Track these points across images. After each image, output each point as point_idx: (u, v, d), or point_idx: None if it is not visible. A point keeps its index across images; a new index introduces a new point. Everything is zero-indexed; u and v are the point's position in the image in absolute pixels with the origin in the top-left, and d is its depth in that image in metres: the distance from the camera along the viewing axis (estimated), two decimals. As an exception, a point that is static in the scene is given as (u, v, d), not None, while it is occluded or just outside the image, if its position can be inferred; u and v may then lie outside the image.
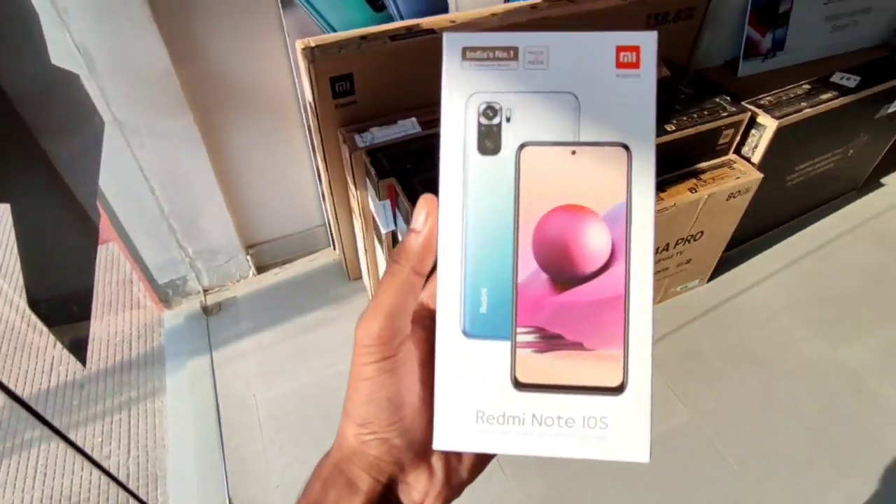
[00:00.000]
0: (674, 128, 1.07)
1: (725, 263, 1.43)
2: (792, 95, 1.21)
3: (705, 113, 1.11)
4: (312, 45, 1.00)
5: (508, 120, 0.21)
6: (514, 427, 0.21)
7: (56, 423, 1.17)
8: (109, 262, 1.55)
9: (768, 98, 1.19)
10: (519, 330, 0.21)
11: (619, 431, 0.21)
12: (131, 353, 1.32)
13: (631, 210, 0.21)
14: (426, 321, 0.24)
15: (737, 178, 1.14)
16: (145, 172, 1.12)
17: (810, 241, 1.53)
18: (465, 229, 0.22)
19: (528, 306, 0.21)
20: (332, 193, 1.21)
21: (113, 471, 1.11)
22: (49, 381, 1.26)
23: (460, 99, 0.21)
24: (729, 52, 1.44)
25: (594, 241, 0.21)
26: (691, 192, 1.10)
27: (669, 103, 1.14)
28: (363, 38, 1.03)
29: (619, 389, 0.21)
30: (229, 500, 1.05)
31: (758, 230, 1.49)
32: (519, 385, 0.21)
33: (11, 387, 1.21)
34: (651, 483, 1.07)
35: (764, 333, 1.32)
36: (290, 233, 1.44)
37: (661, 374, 1.24)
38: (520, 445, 0.21)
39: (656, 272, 1.27)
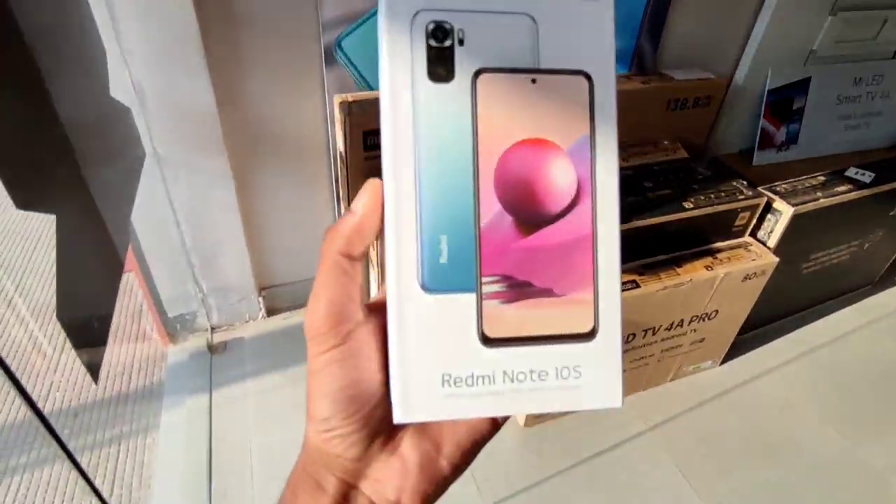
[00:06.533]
0: (692, 205, 1.10)
1: (739, 347, 1.40)
2: (807, 185, 1.24)
3: (722, 194, 1.14)
4: (350, 100, 1.06)
5: (461, 43, 0.19)
6: (484, 387, 0.19)
7: (44, 451, 1.13)
8: (121, 292, 1.56)
9: (784, 185, 1.22)
10: (484, 280, 0.19)
11: (593, 379, 0.20)
12: (129, 386, 1.30)
13: (595, 143, 0.20)
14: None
15: (752, 259, 1.14)
16: (174, 205, 1.16)
17: (826, 332, 1.51)
18: (417, 169, 0.19)
19: (493, 253, 0.19)
20: (351, 242, 1.23)
21: (92, 509, 1.06)
22: (44, 406, 1.23)
23: (404, 17, 0.19)
24: (744, 142, 1.50)
25: (561, 179, 0.19)
26: (707, 269, 1.11)
27: (687, 182, 1.17)
28: (398, 98, 1.08)
29: (591, 335, 0.20)
30: (209, 552, 0.99)
31: (772, 316, 1.48)
32: (487, 341, 0.19)
33: (6, 408, 1.18)
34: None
35: (780, 423, 1.27)
36: (305, 278, 1.45)
37: (673, 456, 1.19)
38: (492, 407, 0.19)
39: (670, 348, 1.25)
